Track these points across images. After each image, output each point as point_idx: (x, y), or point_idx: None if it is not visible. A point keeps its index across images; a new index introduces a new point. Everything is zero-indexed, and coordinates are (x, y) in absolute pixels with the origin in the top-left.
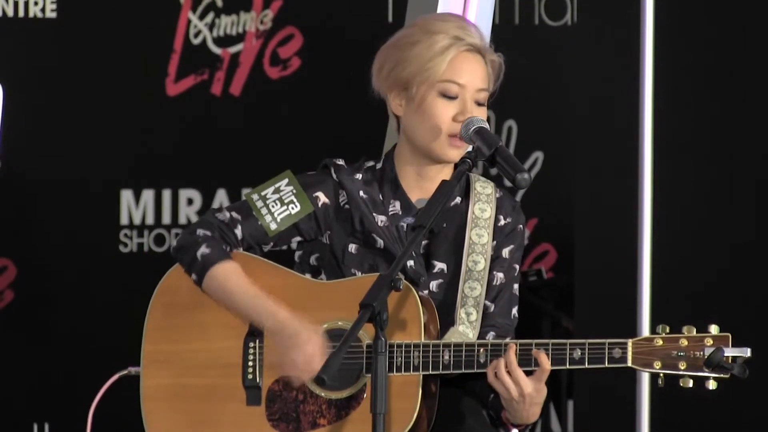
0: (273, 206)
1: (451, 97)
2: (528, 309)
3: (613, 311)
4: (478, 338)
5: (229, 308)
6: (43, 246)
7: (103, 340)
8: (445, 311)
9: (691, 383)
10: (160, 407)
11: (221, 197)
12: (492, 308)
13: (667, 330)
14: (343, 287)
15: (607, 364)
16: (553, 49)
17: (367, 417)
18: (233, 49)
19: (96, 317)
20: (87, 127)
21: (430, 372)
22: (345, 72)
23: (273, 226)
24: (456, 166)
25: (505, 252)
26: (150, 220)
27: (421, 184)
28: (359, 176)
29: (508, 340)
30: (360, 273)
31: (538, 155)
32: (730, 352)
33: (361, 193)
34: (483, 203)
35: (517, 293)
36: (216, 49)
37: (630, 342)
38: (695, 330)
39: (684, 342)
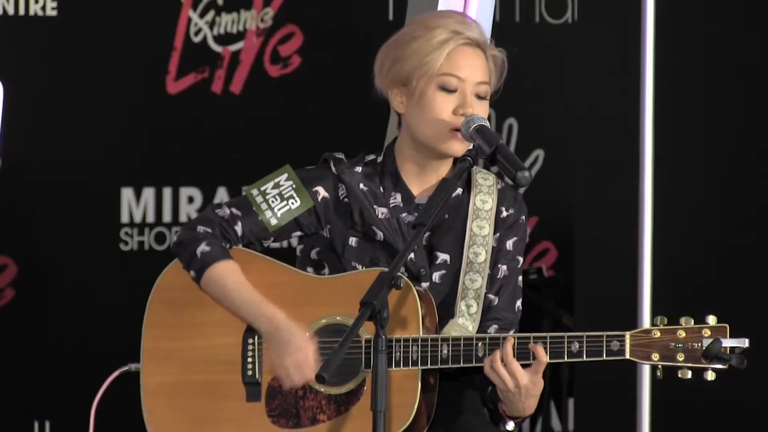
0: (273, 201)
1: (450, 91)
2: (528, 307)
3: (614, 309)
4: (482, 331)
5: (226, 307)
6: (43, 244)
7: (103, 337)
8: (447, 303)
9: (689, 374)
10: (161, 404)
11: (222, 195)
12: (496, 301)
13: (665, 322)
14: (342, 283)
15: (605, 357)
16: (554, 47)
17: (367, 412)
18: (234, 47)
19: (96, 315)
20: (87, 125)
21: (429, 367)
22: (345, 70)
23: (273, 222)
24: (456, 162)
25: (509, 244)
26: (150, 218)
27: (421, 178)
28: (359, 169)
29: (509, 333)
30: (361, 266)
31: (539, 153)
32: (728, 342)
33: (361, 185)
34: (484, 194)
35: (521, 285)
36: (216, 47)
37: (628, 334)
38: (693, 321)
39: (682, 333)
